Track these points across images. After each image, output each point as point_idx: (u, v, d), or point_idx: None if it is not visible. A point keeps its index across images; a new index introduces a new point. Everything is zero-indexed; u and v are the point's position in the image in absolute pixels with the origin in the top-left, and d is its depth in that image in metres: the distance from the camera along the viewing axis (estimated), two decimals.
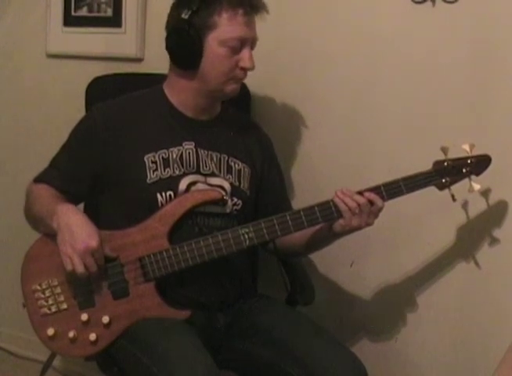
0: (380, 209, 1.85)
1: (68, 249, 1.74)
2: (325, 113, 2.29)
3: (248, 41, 1.88)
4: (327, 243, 1.99)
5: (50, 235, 1.81)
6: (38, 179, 1.95)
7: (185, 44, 1.86)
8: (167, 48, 1.91)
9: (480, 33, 2.04)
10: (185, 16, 1.85)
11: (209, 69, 1.88)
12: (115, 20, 2.58)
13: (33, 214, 1.89)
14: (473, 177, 1.92)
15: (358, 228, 1.84)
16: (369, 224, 1.85)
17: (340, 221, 1.84)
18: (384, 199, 1.85)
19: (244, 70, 1.90)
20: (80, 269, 1.74)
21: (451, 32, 2.08)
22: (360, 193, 1.84)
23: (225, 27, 1.85)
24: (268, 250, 2.07)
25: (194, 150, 1.94)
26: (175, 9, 1.90)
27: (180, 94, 1.96)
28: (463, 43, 2.07)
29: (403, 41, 2.15)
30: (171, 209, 1.86)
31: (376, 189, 1.85)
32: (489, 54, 2.04)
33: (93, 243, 1.74)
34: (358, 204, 1.81)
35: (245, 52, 1.88)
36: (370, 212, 1.83)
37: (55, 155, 1.98)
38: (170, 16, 1.93)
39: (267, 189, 2.08)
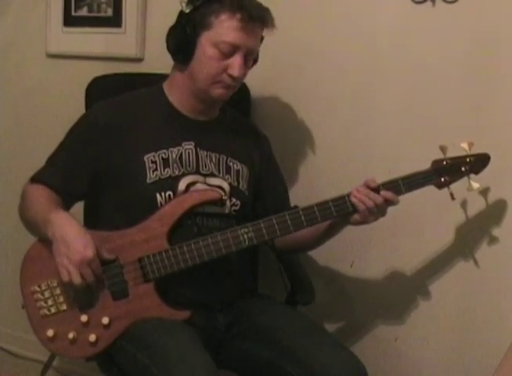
0: (395, 205, 1.87)
1: (64, 260, 1.74)
2: (324, 113, 2.29)
3: (241, 49, 1.86)
4: (338, 231, 1.99)
5: None
6: (35, 179, 1.94)
7: (180, 38, 1.87)
8: (166, 39, 1.92)
9: (480, 33, 2.04)
10: (186, 10, 1.86)
11: (197, 67, 1.88)
12: (115, 20, 2.58)
13: (27, 218, 1.89)
14: (472, 176, 1.92)
15: (374, 221, 1.87)
16: (383, 216, 1.87)
17: (357, 217, 1.85)
18: (401, 192, 1.86)
19: (231, 77, 1.88)
20: (77, 280, 1.74)
21: (451, 32, 2.08)
22: (377, 189, 1.84)
23: (220, 29, 1.84)
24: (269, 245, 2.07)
25: (194, 150, 1.94)
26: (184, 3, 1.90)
27: (177, 92, 1.96)
28: (462, 43, 2.07)
29: (403, 40, 2.15)
30: (170, 209, 1.85)
31: (393, 183, 1.86)
32: (489, 54, 2.04)
33: (89, 253, 1.74)
34: (376, 204, 1.83)
35: (235, 59, 1.86)
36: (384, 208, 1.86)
37: (53, 153, 1.97)
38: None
39: (267, 190, 2.08)
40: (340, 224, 1.94)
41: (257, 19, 1.86)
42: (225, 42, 1.84)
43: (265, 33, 1.91)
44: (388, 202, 1.85)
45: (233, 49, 1.85)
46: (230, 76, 1.87)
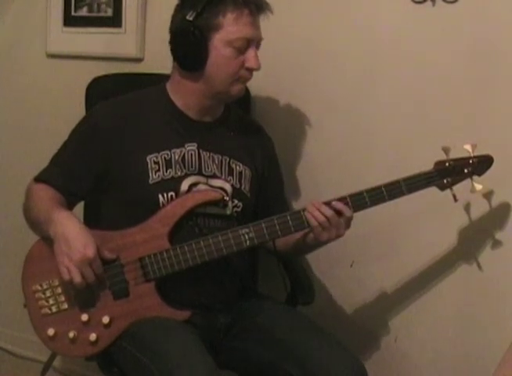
0: (349, 219, 1.84)
1: (65, 259, 1.74)
2: (324, 112, 2.29)
3: (254, 41, 1.88)
4: (311, 250, 2.01)
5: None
6: (39, 178, 1.94)
7: (190, 46, 1.86)
8: (172, 50, 1.90)
9: (480, 33, 2.04)
10: (189, 17, 1.84)
11: (215, 70, 1.88)
12: (115, 20, 2.58)
13: (31, 217, 1.89)
14: (475, 177, 1.92)
15: (328, 242, 1.85)
16: (339, 236, 1.84)
17: (311, 235, 1.85)
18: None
19: (250, 70, 1.90)
20: (77, 279, 1.74)
21: (451, 32, 2.08)
22: (328, 203, 1.83)
23: (231, 27, 1.84)
24: (268, 248, 2.06)
25: (196, 151, 1.94)
26: (179, 11, 1.89)
27: (184, 95, 1.95)
28: (463, 43, 2.07)
29: (403, 40, 2.15)
30: (171, 209, 1.86)
31: (343, 200, 1.84)
32: (489, 54, 2.03)
33: (90, 253, 1.74)
34: (327, 217, 1.81)
35: (251, 52, 1.88)
36: (339, 223, 1.83)
37: (57, 152, 1.98)
38: (174, 17, 1.92)
39: (266, 191, 2.08)
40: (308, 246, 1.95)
41: (263, 10, 1.89)
42: (240, 39, 1.85)
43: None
44: (341, 216, 1.82)
45: (247, 44, 1.87)
46: (248, 69, 1.89)
